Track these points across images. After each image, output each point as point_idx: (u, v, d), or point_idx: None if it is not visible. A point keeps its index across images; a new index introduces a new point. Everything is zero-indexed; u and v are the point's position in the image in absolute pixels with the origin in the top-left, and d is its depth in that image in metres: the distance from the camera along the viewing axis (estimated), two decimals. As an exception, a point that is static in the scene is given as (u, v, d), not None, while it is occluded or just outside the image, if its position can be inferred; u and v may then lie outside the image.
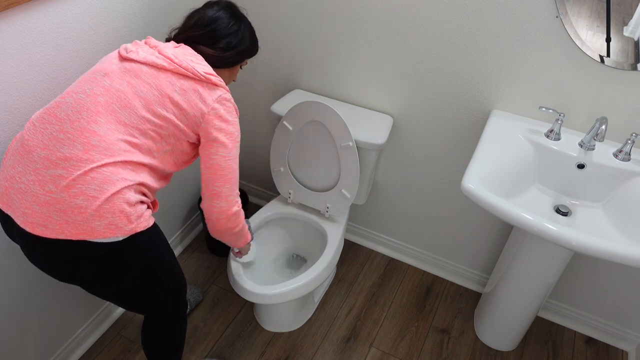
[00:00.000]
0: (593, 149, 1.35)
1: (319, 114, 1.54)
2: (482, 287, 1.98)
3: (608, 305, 1.75)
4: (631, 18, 1.21)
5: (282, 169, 1.73)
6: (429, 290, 1.99)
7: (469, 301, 1.95)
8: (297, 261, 1.86)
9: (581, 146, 1.37)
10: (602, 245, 1.10)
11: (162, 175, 1.16)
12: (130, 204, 1.02)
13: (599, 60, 1.29)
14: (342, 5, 1.55)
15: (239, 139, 1.19)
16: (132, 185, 1.03)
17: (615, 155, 1.35)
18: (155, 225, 1.11)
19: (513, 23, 1.35)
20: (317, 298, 1.88)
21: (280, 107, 1.69)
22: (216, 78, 1.13)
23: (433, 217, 1.90)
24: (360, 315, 1.87)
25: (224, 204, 1.19)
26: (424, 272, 2.06)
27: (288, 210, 1.77)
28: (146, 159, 1.07)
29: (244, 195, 2.04)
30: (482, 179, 1.25)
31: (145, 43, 1.14)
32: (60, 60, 1.23)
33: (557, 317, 1.89)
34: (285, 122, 1.61)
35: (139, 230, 1.03)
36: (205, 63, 1.15)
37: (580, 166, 1.37)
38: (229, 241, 1.32)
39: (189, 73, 1.09)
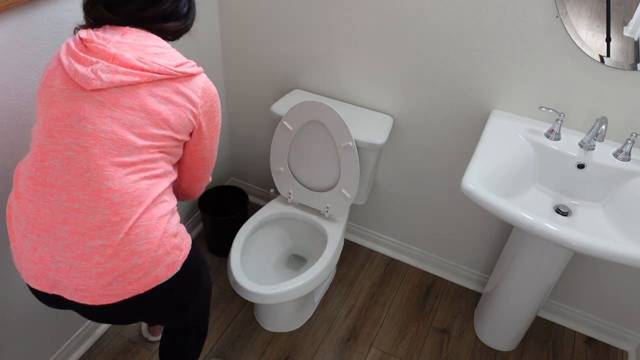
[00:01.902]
0: (593, 149, 1.35)
1: (319, 114, 1.54)
2: (482, 287, 1.98)
3: (608, 305, 1.75)
4: (631, 18, 1.21)
5: (282, 169, 1.73)
6: (429, 290, 1.99)
7: (469, 301, 1.95)
8: (297, 261, 1.86)
9: (581, 146, 1.37)
10: (602, 245, 1.10)
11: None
12: (175, 235, 1.00)
13: (599, 60, 1.29)
14: (343, 5, 1.55)
15: (220, 125, 1.13)
16: (169, 215, 1.00)
17: (615, 155, 1.35)
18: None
19: (513, 23, 1.35)
20: (317, 298, 1.88)
21: (280, 107, 1.69)
22: (189, 66, 0.98)
23: (433, 217, 1.90)
24: (360, 315, 1.87)
25: (204, 183, 1.22)
26: (424, 272, 2.06)
27: (288, 210, 1.77)
28: (168, 180, 1.01)
29: (244, 196, 2.04)
30: (482, 179, 1.26)
31: (85, 46, 0.92)
32: (60, 60, 1.23)
33: (557, 317, 1.89)
34: (285, 122, 1.61)
35: (189, 249, 1.04)
36: (166, 46, 0.98)
37: (580, 166, 1.37)
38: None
39: (163, 76, 0.93)
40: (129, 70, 0.90)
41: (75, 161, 0.90)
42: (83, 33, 0.93)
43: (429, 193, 1.84)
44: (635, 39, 1.23)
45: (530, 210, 1.33)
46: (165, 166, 1.00)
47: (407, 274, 2.04)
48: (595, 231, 1.31)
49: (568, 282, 1.77)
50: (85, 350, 1.67)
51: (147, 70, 0.91)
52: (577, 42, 1.29)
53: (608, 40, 1.26)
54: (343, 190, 1.66)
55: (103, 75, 0.89)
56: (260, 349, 1.72)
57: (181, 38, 1.09)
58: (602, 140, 1.30)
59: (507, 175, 1.35)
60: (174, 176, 1.04)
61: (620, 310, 1.74)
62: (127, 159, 0.92)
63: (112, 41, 0.92)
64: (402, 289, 1.98)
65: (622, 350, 1.82)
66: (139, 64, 0.91)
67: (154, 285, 0.96)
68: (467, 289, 2.00)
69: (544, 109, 1.37)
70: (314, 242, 1.78)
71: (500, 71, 1.44)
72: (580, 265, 1.70)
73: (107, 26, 0.96)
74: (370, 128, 1.62)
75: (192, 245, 1.07)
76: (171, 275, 0.99)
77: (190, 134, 1.06)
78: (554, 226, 1.13)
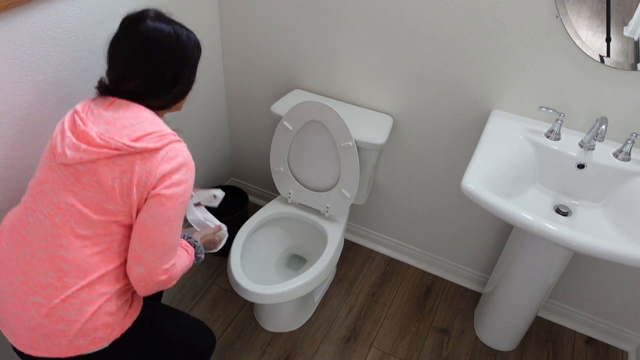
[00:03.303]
0: (593, 149, 1.35)
1: (319, 114, 1.54)
2: (482, 287, 1.98)
3: (608, 305, 1.75)
4: (631, 18, 1.21)
5: (282, 169, 1.73)
6: (429, 290, 1.99)
7: (469, 301, 1.95)
8: (297, 261, 1.86)
9: (581, 146, 1.37)
10: (602, 245, 1.10)
11: None
12: (112, 314, 1.01)
13: (599, 60, 1.29)
14: (343, 5, 1.55)
15: (184, 198, 1.00)
16: (112, 294, 1.01)
17: (615, 155, 1.35)
18: (144, 308, 1.09)
19: (513, 23, 1.35)
20: (317, 298, 1.88)
21: (280, 107, 1.69)
22: (154, 141, 0.97)
23: (433, 217, 1.90)
24: (360, 315, 1.87)
25: (142, 271, 1.00)
26: (424, 272, 2.06)
27: (288, 210, 1.77)
28: (122, 258, 1.02)
29: (243, 196, 2.04)
30: (482, 179, 1.25)
31: (73, 118, 0.99)
32: (60, 60, 1.23)
33: (557, 317, 1.89)
34: (285, 122, 1.61)
35: (125, 329, 1.04)
36: (141, 116, 1.00)
37: (580, 166, 1.37)
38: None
39: (121, 152, 0.95)
40: (89, 147, 0.95)
41: (43, 224, 0.98)
42: (79, 106, 1.02)
43: (429, 193, 1.84)
44: (635, 39, 1.23)
45: (530, 210, 1.33)
46: (121, 242, 1.01)
47: (407, 274, 2.04)
48: (595, 231, 1.31)
49: (568, 282, 1.77)
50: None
51: (105, 147, 0.95)
52: (577, 42, 1.29)
53: (608, 40, 1.26)
54: (343, 190, 1.66)
55: (68, 152, 0.96)
56: (260, 349, 1.72)
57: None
58: (602, 140, 1.30)
59: (507, 175, 1.35)
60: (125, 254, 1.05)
61: (621, 310, 1.74)
62: (84, 232, 0.98)
63: (95, 114, 1.00)
64: (402, 289, 1.98)
65: (622, 350, 1.82)
66: (98, 140, 0.95)
67: (73, 354, 1.00)
68: (467, 289, 2.00)
69: (544, 109, 1.37)
70: (314, 242, 1.78)
71: (500, 71, 1.44)
72: (580, 265, 1.70)
73: (106, 97, 1.03)
74: (370, 128, 1.62)
75: (138, 319, 1.07)
76: (95, 350, 1.01)
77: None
78: (554, 226, 1.13)
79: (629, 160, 1.33)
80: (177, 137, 1.03)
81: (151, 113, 1.03)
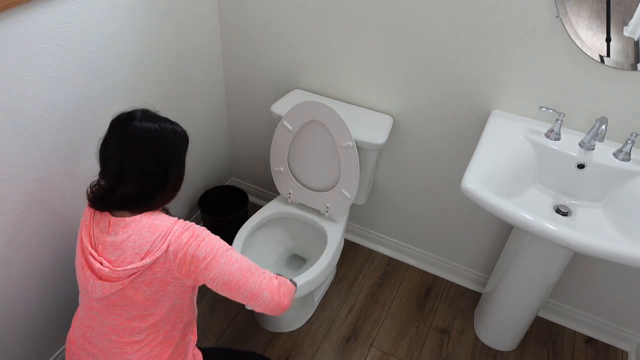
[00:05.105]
0: (593, 149, 1.35)
1: (319, 114, 1.54)
2: (482, 287, 1.98)
3: (608, 305, 1.75)
4: (631, 18, 1.21)
5: (282, 169, 1.73)
6: (429, 290, 1.99)
7: (469, 301, 1.95)
8: (297, 261, 1.86)
9: (581, 146, 1.37)
10: (602, 245, 1.10)
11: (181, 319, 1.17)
12: None
13: (599, 60, 1.29)
14: (342, 5, 1.55)
15: (221, 250, 1.07)
16: None
17: (615, 155, 1.35)
18: None
19: (513, 23, 1.35)
20: (317, 298, 1.88)
21: (280, 107, 1.69)
22: (159, 248, 1.02)
23: (433, 217, 1.90)
24: (360, 315, 1.87)
25: (266, 295, 1.11)
26: (424, 272, 2.06)
27: (288, 210, 1.77)
28: (176, 334, 1.15)
29: (243, 196, 2.04)
30: (482, 179, 1.25)
31: (90, 256, 1.06)
32: (60, 60, 1.23)
33: (557, 317, 1.89)
34: (285, 122, 1.61)
35: None
36: (140, 226, 1.04)
37: (580, 166, 1.37)
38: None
39: (137, 272, 1.02)
40: (112, 284, 1.04)
41: (103, 340, 1.11)
42: (85, 232, 1.08)
43: (429, 193, 1.84)
44: (635, 39, 1.23)
45: (530, 210, 1.32)
46: (169, 320, 1.12)
47: (407, 274, 2.04)
48: (595, 231, 1.31)
49: (568, 282, 1.77)
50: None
51: (122, 278, 1.03)
52: (577, 42, 1.29)
53: (608, 40, 1.26)
54: (343, 190, 1.66)
55: (97, 291, 1.06)
56: (260, 349, 1.72)
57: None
58: (602, 140, 1.30)
59: (507, 175, 1.35)
60: (182, 321, 1.15)
61: (620, 310, 1.74)
62: (138, 338, 1.09)
63: (101, 241, 1.06)
64: (402, 289, 1.98)
65: (622, 350, 1.82)
66: (115, 275, 1.03)
67: None
68: (467, 289, 2.00)
69: (544, 109, 1.37)
70: (314, 242, 1.78)
71: (500, 71, 1.44)
72: (581, 265, 1.70)
73: (102, 214, 1.08)
74: (370, 128, 1.62)
75: None
76: None
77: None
78: (553, 226, 1.13)
79: (629, 160, 1.33)
80: (172, 223, 1.05)
81: (147, 216, 1.06)
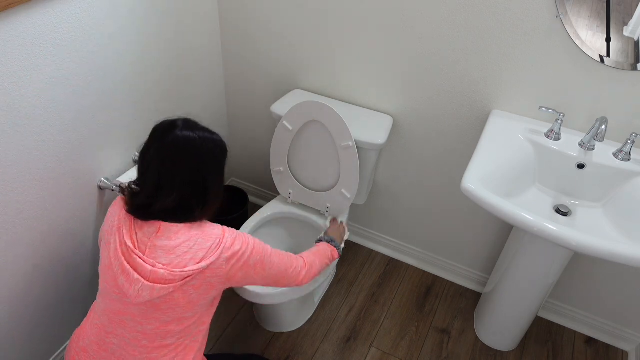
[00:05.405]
0: (593, 149, 1.35)
1: (319, 114, 1.54)
2: (482, 287, 1.98)
3: (608, 305, 1.75)
4: (631, 18, 1.21)
5: (282, 169, 1.73)
6: (429, 290, 1.99)
7: (469, 301, 1.95)
8: (297, 261, 1.86)
9: (581, 146, 1.37)
10: (602, 245, 1.10)
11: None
12: None
13: (599, 60, 1.29)
14: (342, 5, 1.55)
15: (255, 251, 1.13)
16: None
17: (615, 155, 1.35)
18: None
19: (513, 23, 1.35)
20: (317, 298, 1.88)
21: (280, 107, 1.69)
22: (214, 253, 1.05)
23: (433, 217, 1.90)
24: (360, 315, 1.87)
25: (289, 284, 1.26)
26: (424, 272, 2.06)
27: (288, 210, 1.77)
28: (199, 334, 1.15)
29: (243, 196, 2.04)
30: (482, 179, 1.25)
31: (130, 255, 1.04)
32: (60, 60, 1.23)
33: (557, 317, 1.89)
34: (285, 122, 1.61)
35: None
36: (193, 238, 1.06)
37: (580, 166, 1.37)
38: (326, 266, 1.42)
39: (192, 276, 1.04)
40: (164, 286, 1.02)
41: (129, 347, 1.08)
42: (126, 235, 1.05)
43: (429, 193, 1.84)
44: (635, 39, 1.23)
45: (530, 210, 1.32)
46: (198, 324, 1.13)
47: (407, 274, 2.04)
48: (595, 231, 1.31)
49: (568, 282, 1.77)
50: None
51: (177, 280, 1.02)
52: (577, 42, 1.29)
53: (608, 40, 1.26)
54: (343, 190, 1.66)
55: (144, 294, 1.02)
56: (260, 349, 1.72)
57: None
58: (602, 140, 1.30)
59: (507, 175, 1.35)
60: (205, 324, 1.16)
61: (620, 310, 1.74)
62: (168, 342, 1.09)
63: (149, 245, 1.04)
64: (402, 289, 1.98)
65: (622, 350, 1.82)
66: (170, 277, 1.02)
67: None
68: (467, 289, 2.00)
69: (544, 109, 1.37)
70: (314, 242, 1.78)
71: (500, 71, 1.44)
72: (581, 265, 1.70)
73: (146, 221, 1.07)
74: (370, 128, 1.62)
75: None
76: None
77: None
78: (553, 226, 1.13)
79: (629, 160, 1.33)
80: (222, 231, 1.09)
81: (197, 226, 1.08)
